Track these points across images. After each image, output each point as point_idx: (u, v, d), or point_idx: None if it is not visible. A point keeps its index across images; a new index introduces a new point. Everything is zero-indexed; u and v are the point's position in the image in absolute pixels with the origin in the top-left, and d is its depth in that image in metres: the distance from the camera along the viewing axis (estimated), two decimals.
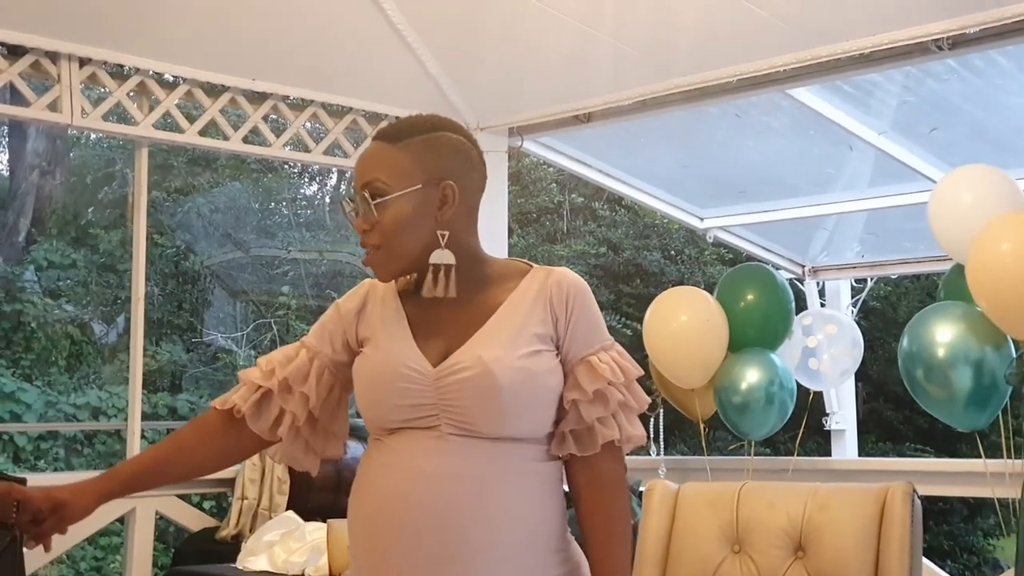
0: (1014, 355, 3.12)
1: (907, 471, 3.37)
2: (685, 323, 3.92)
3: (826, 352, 4.30)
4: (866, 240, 5.43)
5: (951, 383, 3.16)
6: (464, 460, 1.62)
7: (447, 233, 1.68)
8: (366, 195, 1.66)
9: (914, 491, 2.67)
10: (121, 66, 4.19)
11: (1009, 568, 3.56)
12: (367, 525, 1.68)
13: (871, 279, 5.61)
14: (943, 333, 3.18)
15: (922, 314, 3.32)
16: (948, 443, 9.66)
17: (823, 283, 5.63)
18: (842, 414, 5.38)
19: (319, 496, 4.33)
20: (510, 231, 5.82)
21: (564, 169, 5.29)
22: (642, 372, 1.76)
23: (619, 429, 1.67)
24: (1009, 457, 3.10)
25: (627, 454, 1.75)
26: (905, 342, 3.31)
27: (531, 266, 1.76)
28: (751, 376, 3.89)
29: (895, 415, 10.61)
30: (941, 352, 3.16)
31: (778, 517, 2.72)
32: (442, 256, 1.67)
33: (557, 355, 1.68)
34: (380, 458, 1.69)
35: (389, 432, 1.68)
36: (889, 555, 2.56)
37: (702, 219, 5.52)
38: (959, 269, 3.22)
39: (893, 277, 7.94)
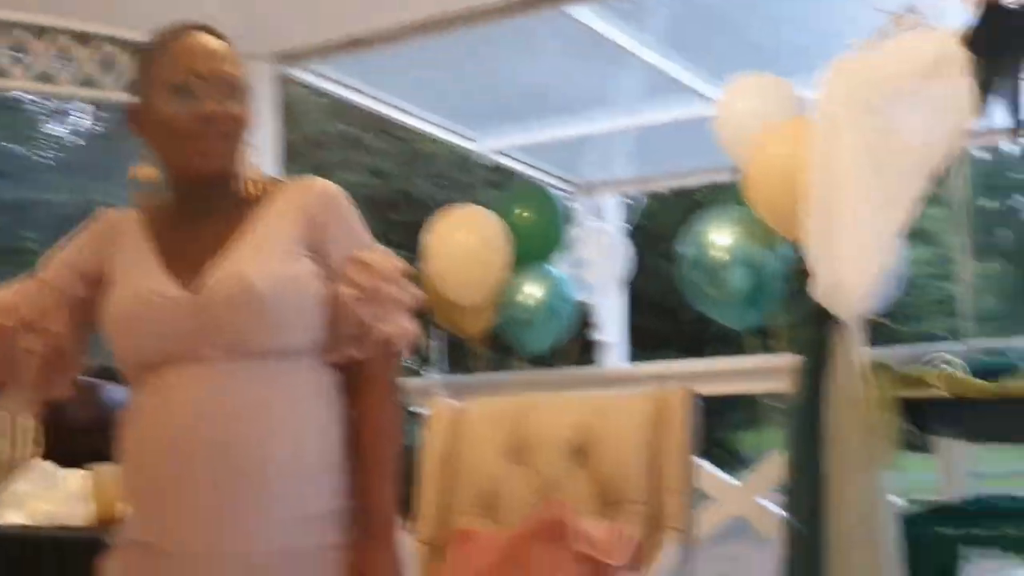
0: (789, 255, 3.28)
1: (677, 374, 3.50)
2: (466, 241, 3.93)
3: (595, 263, 4.39)
4: (637, 156, 5.58)
5: (728, 284, 3.28)
6: (236, 384, 1.57)
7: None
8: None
9: (692, 393, 2.77)
10: None
11: (758, 461, 3.80)
12: (142, 473, 1.62)
13: (641, 195, 5.78)
14: (721, 237, 3.30)
15: (700, 218, 3.44)
16: (706, 352, 10.20)
17: (595, 200, 5.76)
18: (610, 327, 5.53)
19: (82, 440, 4.10)
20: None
21: (336, 97, 5.15)
22: (413, 270, 1.76)
23: (395, 324, 1.65)
24: (782, 352, 3.28)
25: (404, 359, 1.73)
26: (684, 246, 3.41)
27: (281, 180, 1.75)
28: (534, 291, 3.95)
29: (657, 326, 11.12)
30: (719, 254, 3.28)
31: (560, 428, 2.79)
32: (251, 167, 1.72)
33: (318, 260, 1.65)
34: (146, 401, 1.62)
35: (150, 370, 1.61)
36: (668, 456, 2.66)
37: (476, 140, 5.52)
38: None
39: (663, 193, 8.24)
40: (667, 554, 2.47)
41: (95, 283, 1.69)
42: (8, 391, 1.72)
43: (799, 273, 2.99)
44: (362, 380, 1.66)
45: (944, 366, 2.74)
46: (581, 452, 2.75)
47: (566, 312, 4.06)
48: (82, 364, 1.76)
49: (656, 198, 10.36)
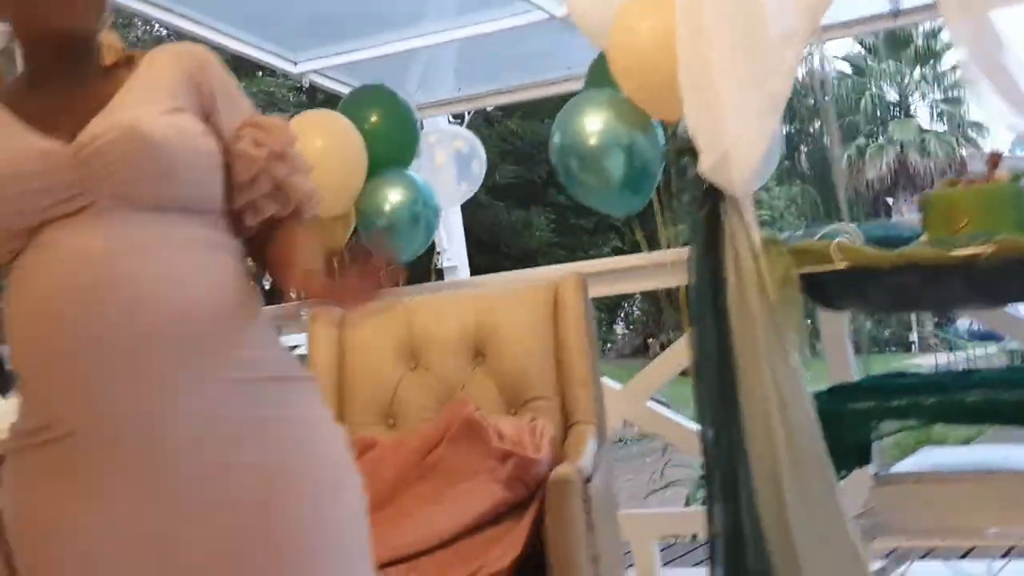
0: (660, 137, 3.12)
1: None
2: (322, 148, 3.60)
3: (451, 169, 4.18)
4: (461, 72, 5.33)
5: (605, 170, 3.12)
6: (136, 232, 1.42)
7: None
8: None
9: (584, 280, 2.65)
10: None
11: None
12: (33, 347, 1.43)
13: (468, 112, 5.54)
14: (593, 122, 3.13)
15: (570, 105, 3.25)
16: None
17: (422, 121, 5.48)
18: (453, 250, 5.31)
19: None
20: None
21: (133, 13, 4.67)
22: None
23: (308, 183, 1.58)
24: (668, 247, 3.15)
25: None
26: (557, 137, 3.23)
27: (144, 50, 1.62)
28: (394, 196, 3.70)
29: (480, 261, 11.00)
30: (593, 140, 3.11)
31: (450, 328, 2.66)
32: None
33: (207, 123, 1.53)
34: (32, 263, 1.42)
35: (32, 231, 1.42)
36: (569, 348, 2.56)
37: (296, 63, 5.15)
38: (603, 57, 3.14)
39: (489, 109, 8.06)
40: (588, 447, 2.28)
41: None
42: None
43: (679, 153, 2.81)
44: (281, 236, 1.55)
45: (844, 237, 2.61)
46: (479, 352, 2.60)
47: (429, 217, 3.81)
48: None
49: (473, 128, 10.18)
